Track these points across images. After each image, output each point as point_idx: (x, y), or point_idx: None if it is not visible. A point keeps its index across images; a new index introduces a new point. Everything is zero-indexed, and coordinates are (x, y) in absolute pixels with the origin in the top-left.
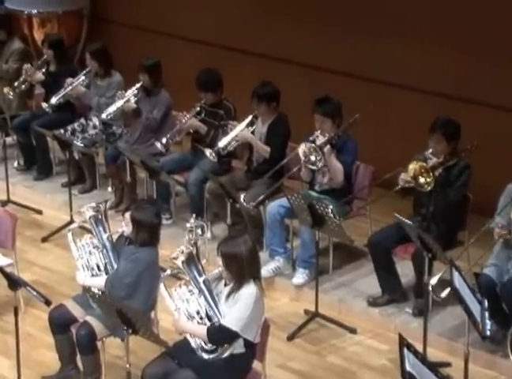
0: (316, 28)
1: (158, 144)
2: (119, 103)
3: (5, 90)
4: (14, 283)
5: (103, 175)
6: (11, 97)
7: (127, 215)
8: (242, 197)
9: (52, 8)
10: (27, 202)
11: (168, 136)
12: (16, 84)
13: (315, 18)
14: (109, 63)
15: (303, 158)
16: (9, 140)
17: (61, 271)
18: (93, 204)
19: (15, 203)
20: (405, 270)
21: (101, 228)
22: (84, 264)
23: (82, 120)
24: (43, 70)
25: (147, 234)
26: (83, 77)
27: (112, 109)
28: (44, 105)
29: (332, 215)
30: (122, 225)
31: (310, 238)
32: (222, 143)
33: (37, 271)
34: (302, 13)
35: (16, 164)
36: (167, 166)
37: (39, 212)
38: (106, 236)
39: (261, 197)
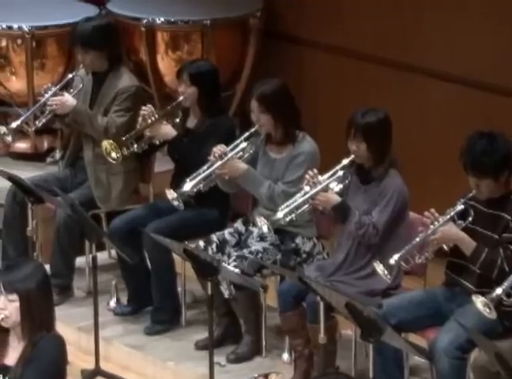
0: None
1: (379, 268)
2: (310, 194)
3: (105, 144)
4: None
5: (273, 329)
6: (113, 161)
7: None
8: None
9: (194, 15)
10: (132, 375)
11: (400, 254)
12: (124, 138)
13: None
14: (294, 119)
15: None
16: (103, 257)
17: None
18: None
19: (110, 376)
20: None
21: None
22: None
23: (239, 224)
24: (177, 120)
25: None
26: (244, 144)
27: (295, 204)
28: (171, 195)
29: None
30: None
31: None
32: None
33: None
34: None
35: (113, 303)
36: (395, 315)
37: None
38: None
39: None
